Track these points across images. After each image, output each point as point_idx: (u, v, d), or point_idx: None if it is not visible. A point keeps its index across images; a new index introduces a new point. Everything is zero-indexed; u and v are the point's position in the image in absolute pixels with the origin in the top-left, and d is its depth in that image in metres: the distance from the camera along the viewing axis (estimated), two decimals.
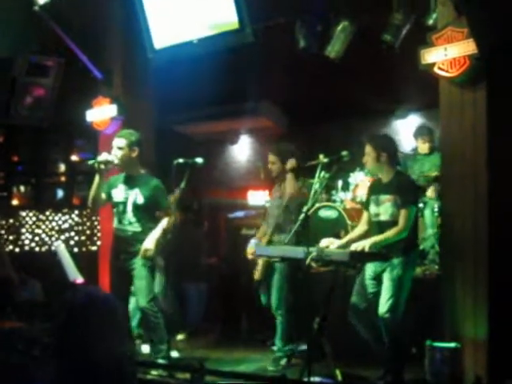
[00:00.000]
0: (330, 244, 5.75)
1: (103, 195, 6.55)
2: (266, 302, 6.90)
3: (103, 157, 6.37)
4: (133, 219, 6.50)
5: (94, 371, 2.21)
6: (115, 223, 6.62)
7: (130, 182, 6.55)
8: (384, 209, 5.84)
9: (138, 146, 6.51)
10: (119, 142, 6.48)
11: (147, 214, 6.55)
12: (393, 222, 5.77)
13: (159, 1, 7.67)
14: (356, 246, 5.54)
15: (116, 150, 6.47)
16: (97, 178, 6.39)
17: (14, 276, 6.33)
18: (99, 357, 2.21)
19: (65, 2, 7.77)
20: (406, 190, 5.82)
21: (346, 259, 5.30)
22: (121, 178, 6.64)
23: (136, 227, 6.51)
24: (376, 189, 6.07)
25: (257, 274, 6.81)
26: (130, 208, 6.50)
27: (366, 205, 6.23)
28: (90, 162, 6.35)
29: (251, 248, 6.87)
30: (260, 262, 6.73)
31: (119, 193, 6.57)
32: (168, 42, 7.73)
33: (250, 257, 6.89)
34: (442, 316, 5.97)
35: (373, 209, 5.97)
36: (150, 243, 6.39)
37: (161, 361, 6.44)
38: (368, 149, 5.97)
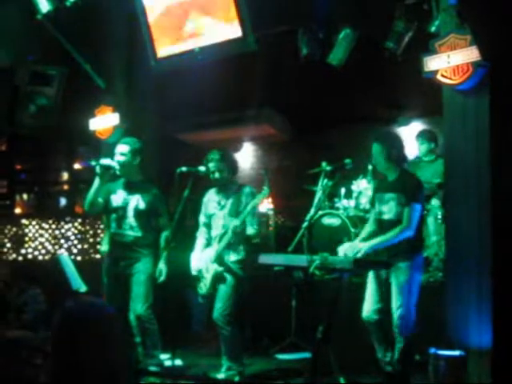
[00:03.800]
0: (350, 248, 5.63)
1: (100, 200, 6.53)
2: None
3: (106, 161, 6.39)
4: (134, 224, 6.52)
5: (88, 380, 2.22)
6: (113, 228, 6.61)
7: (131, 188, 6.58)
8: (388, 207, 5.78)
9: (140, 154, 6.56)
10: (122, 149, 6.51)
11: (148, 219, 6.58)
12: (397, 221, 5.70)
13: (161, 10, 7.67)
14: (359, 249, 5.54)
15: (119, 156, 6.50)
16: (96, 182, 6.38)
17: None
18: (95, 367, 2.22)
19: (68, 10, 7.78)
20: (410, 189, 5.73)
21: (349, 267, 5.26)
22: (119, 184, 6.66)
23: (137, 232, 6.53)
24: (381, 187, 6.02)
25: (204, 289, 6.32)
26: (131, 213, 6.52)
27: (371, 203, 6.19)
28: (93, 163, 6.35)
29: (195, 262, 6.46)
30: (207, 275, 6.28)
31: (118, 198, 6.58)
32: (170, 50, 7.73)
33: (194, 273, 6.43)
34: (446, 323, 5.95)
35: (377, 207, 5.92)
36: (162, 265, 6.44)
37: (152, 368, 6.42)
38: (377, 148, 5.82)
